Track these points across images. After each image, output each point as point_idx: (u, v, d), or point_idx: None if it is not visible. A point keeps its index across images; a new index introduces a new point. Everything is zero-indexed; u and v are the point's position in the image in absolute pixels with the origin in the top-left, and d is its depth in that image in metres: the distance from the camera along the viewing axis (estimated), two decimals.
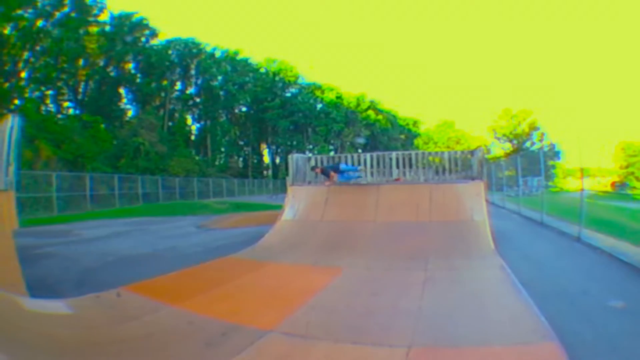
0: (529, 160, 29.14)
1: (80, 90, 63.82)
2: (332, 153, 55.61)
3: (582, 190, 15.22)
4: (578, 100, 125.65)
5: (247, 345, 6.23)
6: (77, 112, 60.41)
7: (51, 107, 58.32)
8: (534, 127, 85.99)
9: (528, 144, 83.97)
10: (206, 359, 5.82)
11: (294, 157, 18.87)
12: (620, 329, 6.58)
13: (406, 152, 19.69)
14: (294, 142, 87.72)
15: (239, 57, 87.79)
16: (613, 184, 52.62)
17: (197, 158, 74.73)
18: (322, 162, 19.35)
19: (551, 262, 11.89)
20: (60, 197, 30.33)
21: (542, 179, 22.81)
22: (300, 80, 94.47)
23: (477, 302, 8.24)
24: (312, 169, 18.39)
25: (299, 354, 6.13)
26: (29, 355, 5.45)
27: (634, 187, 51.75)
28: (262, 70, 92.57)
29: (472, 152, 19.04)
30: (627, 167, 60.04)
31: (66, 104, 62.14)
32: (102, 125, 54.42)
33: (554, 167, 48.20)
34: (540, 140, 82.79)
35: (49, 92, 57.43)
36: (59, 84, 58.48)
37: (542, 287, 8.95)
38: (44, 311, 7.25)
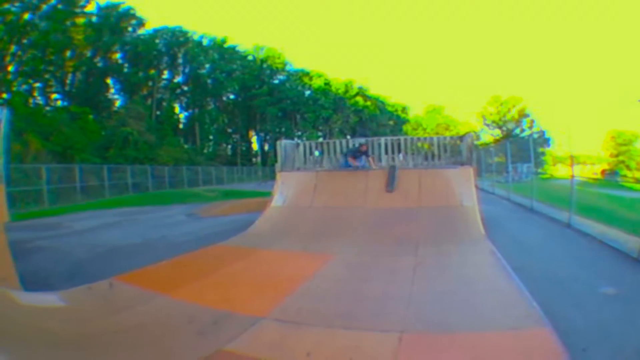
0: (519, 146, 29.24)
1: (68, 81, 63.31)
2: (320, 139, 55.38)
3: (572, 177, 15.21)
4: (568, 89, 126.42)
5: (239, 333, 6.22)
6: (65, 103, 59.84)
7: (39, 99, 57.86)
8: (523, 114, 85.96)
9: (517, 130, 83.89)
10: (199, 348, 5.77)
11: (283, 144, 18.75)
12: (613, 315, 6.57)
13: (395, 138, 19.62)
14: (283, 129, 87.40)
15: (226, 45, 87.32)
16: (603, 172, 52.88)
17: (185, 147, 74.45)
18: (310, 148, 19.40)
19: (542, 248, 11.88)
20: (50, 190, 29.96)
21: (532, 166, 22.88)
22: (288, 67, 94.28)
23: (468, 288, 8.25)
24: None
25: (292, 340, 6.13)
26: (23, 348, 5.41)
27: (625, 176, 52.00)
28: (250, 57, 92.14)
29: (461, 138, 19.07)
30: (617, 155, 60.38)
31: (54, 95, 61.68)
32: (91, 116, 54.19)
33: (543, 154, 48.42)
34: (530, 127, 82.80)
35: (37, 84, 57.07)
36: (47, 76, 57.98)
37: (533, 273, 8.94)
38: (38, 304, 7.23)
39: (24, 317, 6.62)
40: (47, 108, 56.92)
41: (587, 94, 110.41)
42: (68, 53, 60.52)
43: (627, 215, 14.44)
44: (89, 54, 65.00)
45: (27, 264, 10.62)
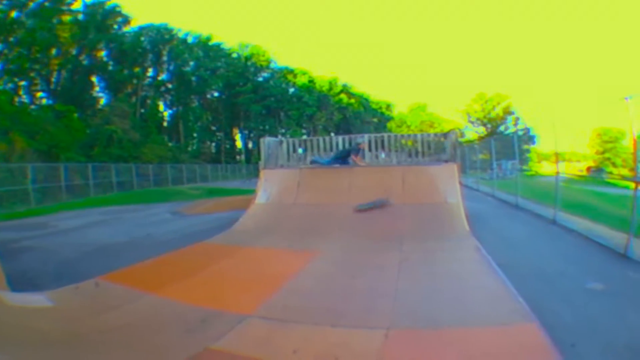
0: (503, 143, 29.22)
1: (53, 80, 62.96)
2: (304, 137, 55.36)
3: (557, 173, 15.23)
4: (554, 87, 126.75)
5: (227, 331, 6.19)
6: (50, 102, 59.50)
7: (24, 98, 57.63)
8: (508, 112, 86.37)
9: (502, 128, 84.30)
10: (187, 346, 5.73)
11: (266, 141, 18.66)
12: (601, 311, 6.56)
13: (378, 135, 19.63)
14: (267, 127, 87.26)
15: (211, 42, 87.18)
16: (589, 169, 53.03)
17: (170, 144, 74.21)
18: (294, 146, 19.33)
19: (527, 244, 11.89)
20: (36, 189, 29.63)
21: (517, 163, 22.87)
22: (272, 65, 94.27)
23: (453, 284, 8.25)
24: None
25: (279, 337, 6.10)
26: (11, 349, 5.36)
27: (610, 173, 52.25)
28: (235, 55, 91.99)
29: (445, 135, 19.04)
30: (603, 152, 60.64)
31: (39, 94, 61.45)
32: (75, 115, 53.78)
33: (528, 151, 48.49)
34: (515, 125, 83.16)
35: (22, 83, 56.82)
36: (32, 74, 57.76)
37: (519, 269, 8.93)
38: (26, 305, 7.16)
39: (12, 318, 6.57)
40: (33, 107, 56.63)
41: (572, 91, 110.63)
42: (54, 51, 60.25)
43: (613, 211, 14.47)
44: (74, 51, 64.64)
45: (14, 264, 10.56)
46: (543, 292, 7.51)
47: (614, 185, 30.98)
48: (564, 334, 5.72)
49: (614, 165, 57.70)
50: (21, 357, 5.23)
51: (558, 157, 15.73)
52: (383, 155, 19.02)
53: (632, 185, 10.20)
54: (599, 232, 12.06)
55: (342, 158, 17.12)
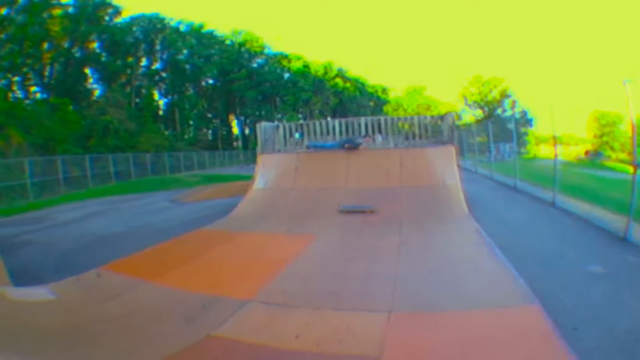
0: (501, 126, 29.27)
1: (46, 73, 62.34)
2: (300, 121, 55.20)
3: (556, 156, 15.18)
4: (551, 70, 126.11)
5: (227, 317, 6.19)
6: (44, 96, 58.84)
7: (18, 93, 57.23)
8: (505, 95, 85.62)
9: (499, 110, 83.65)
10: (188, 334, 5.72)
11: (262, 126, 18.59)
12: (601, 295, 6.54)
13: (375, 118, 19.36)
14: (263, 112, 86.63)
15: (204, 30, 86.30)
16: (587, 153, 52.86)
17: (166, 133, 73.76)
18: (291, 130, 19.18)
19: (526, 226, 11.87)
20: (34, 183, 29.31)
21: (514, 145, 22.85)
22: (266, 51, 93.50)
23: (454, 266, 8.21)
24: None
25: (280, 322, 6.09)
26: (14, 343, 5.35)
27: (609, 157, 52.19)
28: (228, 42, 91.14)
29: (442, 118, 18.89)
30: (601, 136, 60.47)
31: (33, 88, 60.84)
32: (70, 107, 53.34)
33: (526, 134, 48.45)
34: (512, 108, 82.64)
35: (15, 78, 56.41)
36: (25, 69, 57.31)
37: (519, 251, 8.90)
38: (27, 299, 7.15)
39: (14, 313, 6.54)
40: (27, 101, 56.22)
41: (570, 76, 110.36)
42: (46, 45, 59.73)
43: (612, 195, 14.41)
44: (66, 44, 64.02)
45: (15, 259, 10.54)
46: (543, 274, 7.49)
47: (613, 169, 30.99)
48: (566, 318, 5.68)
49: (612, 149, 57.51)
50: (24, 351, 5.20)
51: (556, 141, 15.70)
52: (380, 138, 18.89)
53: (631, 169, 10.16)
54: (598, 215, 11.98)
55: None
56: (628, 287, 6.77)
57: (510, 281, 6.99)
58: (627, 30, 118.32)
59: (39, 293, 7.40)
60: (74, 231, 14.45)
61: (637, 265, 7.84)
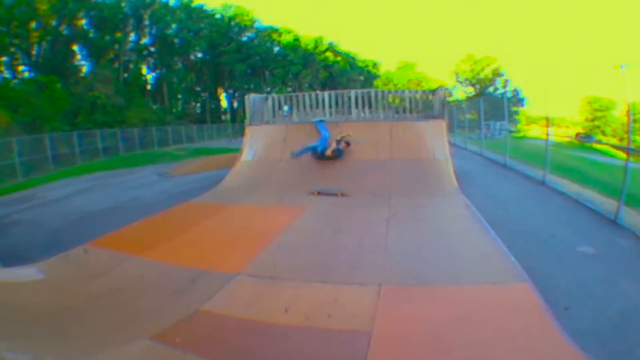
0: (492, 104, 29.18)
1: (34, 52, 61.64)
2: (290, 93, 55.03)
3: (547, 136, 15.11)
4: (544, 52, 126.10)
5: (216, 290, 6.16)
6: (32, 75, 58.42)
7: (6, 73, 56.79)
8: (497, 74, 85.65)
9: (491, 89, 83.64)
10: (177, 309, 5.67)
11: (251, 98, 18.39)
12: (592, 275, 6.55)
13: (365, 91, 19.12)
14: (252, 86, 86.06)
15: (193, 4, 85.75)
16: (577, 135, 53.00)
17: (154, 107, 73.61)
18: (279, 102, 18.98)
19: (517, 203, 11.79)
20: (23, 162, 29.03)
21: (506, 123, 22.77)
22: (256, 25, 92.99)
23: (443, 240, 8.20)
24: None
25: (269, 296, 6.05)
26: (3, 326, 5.31)
27: (599, 140, 52.37)
28: (218, 15, 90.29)
29: (433, 92, 18.70)
30: (592, 120, 60.73)
31: (20, 68, 60.45)
32: (58, 85, 53.00)
33: (517, 113, 48.45)
34: (504, 87, 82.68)
35: (3, 58, 56.09)
36: (12, 49, 56.84)
37: (509, 227, 8.91)
38: (16, 280, 7.09)
39: (3, 294, 6.47)
40: (15, 81, 55.90)
41: (563, 59, 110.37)
42: (33, 24, 59.27)
43: (603, 178, 14.39)
44: (54, 23, 63.55)
45: (4, 239, 10.58)
46: (534, 252, 7.47)
47: (604, 153, 31.10)
48: (557, 296, 5.69)
49: (604, 133, 57.80)
50: (13, 333, 5.14)
51: (548, 122, 15.64)
52: (367, 112, 18.74)
53: (624, 154, 10.13)
54: (589, 196, 11.93)
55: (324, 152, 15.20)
56: (619, 270, 6.74)
57: (501, 257, 6.96)
58: (620, 17, 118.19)
59: (27, 273, 7.32)
60: (62, 209, 14.40)
61: (628, 248, 7.81)
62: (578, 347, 4.45)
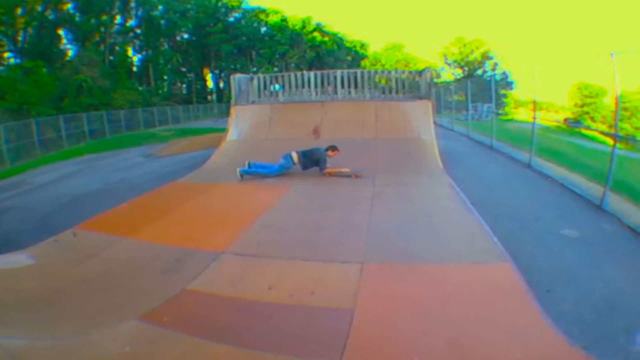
0: (480, 86, 29.19)
1: (20, 38, 61.26)
2: (276, 73, 54.73)
3: (534, 119, 15.12)
4: (535, 37, 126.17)
5: (202, 270, 6.21)
6: (18, 61, 58.08)
7: None
8: (486, 57, 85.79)
9: (480, 71, 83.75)
10: (164, 289, 5.70)
11: (237, 78, 18.38)
12: (575, 259, 6.59)
13: (352, 71, 19.09)
14: (238, 66, 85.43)
15: None
16: (566, 120, 53.11)
17: (140, 89, 73.25)
18: (265, 82, 18.88)
19: (502, 185, 11.87)
20: (10, 149, 29.06)
21: (493, 106, 22.78)
22: (244, 5, 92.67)
23: (427, 219, 8.24)
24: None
25: (253, 274, 6.12)
26: None
27: (588, 127, 52.58)
28: None
29: (420, 73, 18.74)
30: (582, 106, 60.88)
31: (6, 54, 60.15)
32: (44, 69, 52.66)
33: (505, 96, 48.57)
34: (493, 70, 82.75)
35: None
36: None
37: (493, 209, 8.95)
38: (7, 266, 7.04)
39: None
40: (1, 68, 55.55)
41: (555, 45, 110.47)
42: (19, 11, 58.80)
43: (590, 164, 14.42)
44: (39, 8, 63.09)
45: None
46: (518, 234, 7.53)
47: (591, 139, 31.20)
48: (539, 278, 5.75)
49: (593, 120, 57.91)
50: (6, 320, 5.15)
51: (536, 105, 15.66)
52: (352, 92, 18.69)
53: (610, 140, 10.17)
54: (575, 181, 11.93)
55: (306, 160, 13.14)
56: (603, 254, 6.77)
57: (483, 237, 7.01)
58: (613, 3, 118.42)
59: (18, 259, 7.30)
60: (51, 193, 14.39)
61: (613, 234, 7.83)
62: (559, 329, 4.47)
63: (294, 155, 12.82)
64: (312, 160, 12.83)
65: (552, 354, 4.25)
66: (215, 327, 4.87)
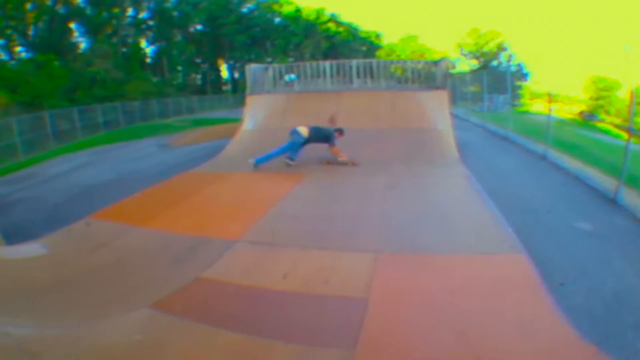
0: (496, 78, 29.02)
1: (30, 33, 61.19)
2: (291, 63, 54.53)
3: (550, 111, 15.04)
4: (551, 30, 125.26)
5: (216, 258, 6.22)
6: (30, 55, 58.23)
7: (3, 55, 56.34)
8: (501, 48, 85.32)
9: (495, 62, 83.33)
10: (178, 277, 5.73)
11: (252, 68, 18.44)
12: (588, 253, 6.50)
13: (367, 61, 19.07)
14: (252, 56, 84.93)
15: None
16: (581, 113, 52.82)
17: (154, 80, 73.16)
18: (280, 72, 18.92)
19: (516, 176, 11.80)
20: (23, 142, 28.82)
21: (509, 97, 22.66)
22: None
23: (442, 210, 8.20)
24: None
25: (267, 262, 6.11)
26: (8, 302, 5.37)
27: (603, 120, 52.24)
28: None
29: (436, 63, 18.59)
30: (597, 99, 60.56)
31: (17, 48, 60.25)
32: (56, 62, 52.59)
33: (520, 87, 48.32)
34: (508, 61, 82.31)
35: (0, 41, 55.84)
36: (9, 31, 56.53)
37: (507, 199, 8.85)
38: (20, 256, 7.12)
39: (8, 271, 6.55)
40: (13, 62, 55.71)
41: (571, 38, 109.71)
42: (29, 5, 58.84)
43: (604, 157, 14.30)
44: (49, 2, 63.13)
45: (7, 218, 10.58)
46: (531, 226, 7.45)
47: (607, 132, 31.06)
48: (552, 271, 5.68)
49: (608, 113, 57.55)
50: (17, 308, 5.19)
51: (551, 97, 15.57)
52: (369, 82, 18.61)
53: (625, 134, 10.09)
54: (589, 174, 11.78)
55: (316, 134, 13.38)
56: (615, 249, 6.67)
57: (498, 229, 6.96)
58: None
59: (31, 249, 7.36)
60: (64, 184, 14.44)
61: (626, 228, 7.74)
62: (570, 322, 4.46)
63: (303, 130, 13.01)
64: (321, 135, 13.10)
65: (564, 348, 4.23)
66: (227, 314, 4.89)
